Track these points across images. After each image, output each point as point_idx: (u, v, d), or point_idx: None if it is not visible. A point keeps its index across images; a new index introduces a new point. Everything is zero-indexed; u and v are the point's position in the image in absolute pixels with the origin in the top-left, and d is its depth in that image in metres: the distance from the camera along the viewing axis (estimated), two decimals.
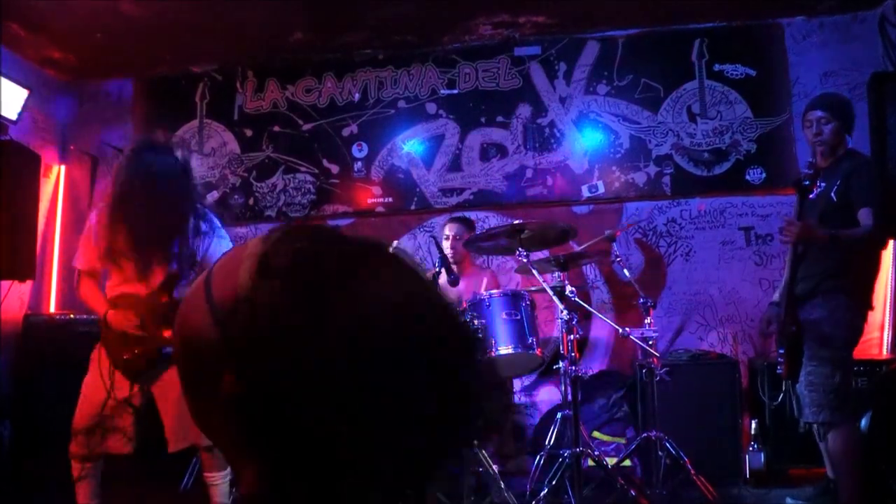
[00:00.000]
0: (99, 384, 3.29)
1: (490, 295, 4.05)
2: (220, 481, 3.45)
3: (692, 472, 3.99)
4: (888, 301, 5.11)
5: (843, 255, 3.47)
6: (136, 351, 3.27)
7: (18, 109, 5.50)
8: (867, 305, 3.55)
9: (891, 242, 4.95)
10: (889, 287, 5.12)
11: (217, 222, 3.50)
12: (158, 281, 3.30)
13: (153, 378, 3.33)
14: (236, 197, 6.07)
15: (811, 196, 3.37)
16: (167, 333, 3.27)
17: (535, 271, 3.90)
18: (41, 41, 5.61)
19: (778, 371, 3.65)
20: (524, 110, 5.87)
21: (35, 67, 5.92)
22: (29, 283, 5.46)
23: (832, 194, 3.47)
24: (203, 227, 3.41)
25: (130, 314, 3.28)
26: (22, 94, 5.47)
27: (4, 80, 5.20)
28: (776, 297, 3.83)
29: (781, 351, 3.60)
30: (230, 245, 3.39)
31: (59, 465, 3.42)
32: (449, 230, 5.04)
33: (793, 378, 3.58)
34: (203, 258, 3.39)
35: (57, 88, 6.21)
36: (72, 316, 5.21)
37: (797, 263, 3.53)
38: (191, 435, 3.31)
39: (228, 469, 3.57)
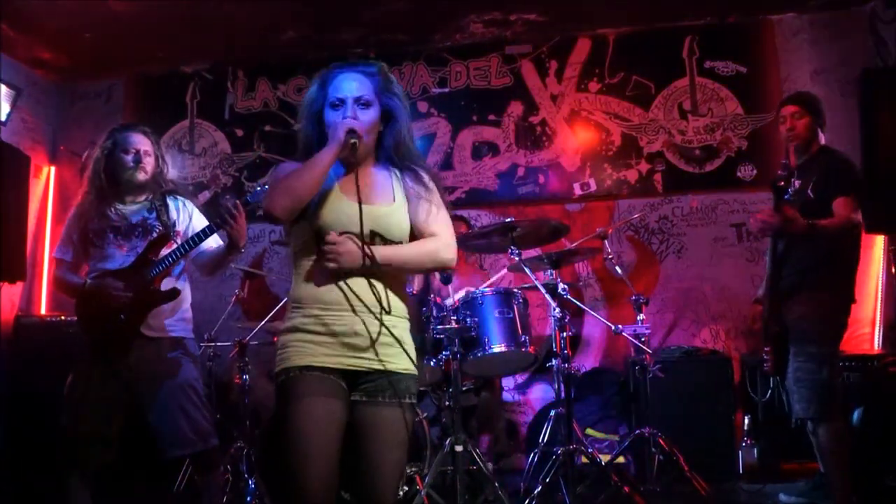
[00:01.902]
0: (83, 385, 3.26)
1: (483, 293, 4.05)
2: (213, 482, 3.43)
3: (686, 468, 4.00)
4: (879, 296, 5.13)
5: (825, 249, 3.49)
6: (122, 317, 3.21)
7: (8, 110, 5.48)
8: (850, 300, 3.58)
9: (882, 238, 4.98)
10: (880, 282, 5.13)
11: (191, 203, 3.57)
12: (142, 246, 3.29)
13: (137, 370, 3.28)
14: (227, 197, 6.05)
15: (786, 196, 3.39)
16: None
17: (527, 269, 3.89)
18: (30, 41, 5.58)
19: (764, 368, 3.67)
20: (516, 108, 5.87)
21: (24, 68, 5.89)
22: (20, 284, 5.44)
23: (809, 191, 3.49)
24: (179, 202, 3.49)
25: (111, 277, 3.24)
26: (11, 95, 5.45)
27: None
28: (759, 293, 3.84)
29: (767, 348, 3.62)
30: (206, 222, 3.39)
31: (50, 467, 3.41)
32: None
33: (779, 374, 3.61)
34: (185, 230, 3.43)
35: (46, 89, 6.18)
36: (63, 317, 5.18)
37: (779, 261, 3.56)
38: (184, 440, 3.27)
39: (220, 469, 3.56)
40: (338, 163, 2.26)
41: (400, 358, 2.22)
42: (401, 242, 2.25)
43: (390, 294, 2.21)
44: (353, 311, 2.17)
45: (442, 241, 2.28)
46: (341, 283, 2.16)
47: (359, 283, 2.18)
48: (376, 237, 2.21)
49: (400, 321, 2.26)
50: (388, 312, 2.21)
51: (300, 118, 2.34)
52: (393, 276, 2.24)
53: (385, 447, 2.17)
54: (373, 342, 2.18)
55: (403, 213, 2.28)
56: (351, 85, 2.25)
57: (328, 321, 2.17)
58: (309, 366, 2.14)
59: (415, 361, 2.27)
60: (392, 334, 2.21)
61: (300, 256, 2.26)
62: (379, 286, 2.19)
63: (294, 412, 2.11)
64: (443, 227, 2.31)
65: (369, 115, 2.25)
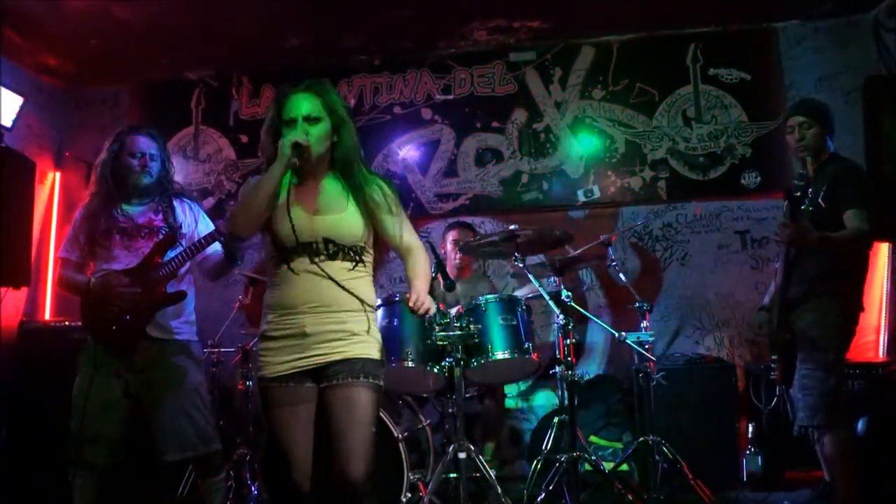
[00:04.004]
0: (87, 386, 3.25)
1: (486, 300, 4.04)
2: (215, 487, 3.43)
3: (689, 476, 3.99)
4: (884, 304, 5.11)
5: (834, 257, 3.48)
6: (127, 318, 3.22)
7: (13, 116, 5.49)
8: (859, 308, 3.56)
9: (886, 246, 4.97)
10: (885, 290, 5.12)
11: (197, 205, 3.60)
12: (147, 247, 3.31)
13: (142, 372, 3.29)
14: (232, 203, 6.06)
15: (802, 206, 3.38)
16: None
17: (530, 276, 3.89)
18: (36, 47, 5.61)
19: (771, 377, 3.65)
20: (520, 115, 5.87)
21: (30, 74, 5.91)
22: (24, 290, 5.44)
23: (819, 199, 3.48)
24: (184, 204, 3.50)
25: (117, 276, 3.25)
26: (17, 100, 5.47)
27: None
28: (766, 301, 3.83)
29: (774, 357, 3.60)
30: (212, 226, 3.40)
31: (54, 472, 3.41)
32: (456, 235, 5.02)
33: (786, 383, 3.59)
34: (191, 233, 3.44)
35: (52, 95, 6.20)
36: (67, 323, 5.19)
37: (791, 268, 3.54)
38: (187, 443, 3.27)
39: (223, 475, 3.56)
40: (293, 173, 2.50)
41: (351, 346, 2.47)
42: (353, 245, 2.52)
43: (341, 292, 2.46)
44: (306, 312, 2.44)
45: (422, 252, 2.66)
46: (297, 287, 2.45)
47: (312, 286, 2.46)
48: (329, 243, 2.48)
49: (352, 315, 2.50)
50: (339, 309, 2.47)
51: (262, 139, 2.60)
52: (346, 273, 2.49)
53: (344, 420, 2.39)
54: (324, 337, 2.44)
55: (354, 219, 2.53)
56: (300, 104, 2.51)
57: (283, 325, 2.47)
58: (274, 377, 2.46)
59: (375, 345, 2.53)
60: (342, 329, 2.46)
61: (268, 265, 2.56)
62: (330, 286, 2.46)
63: (270, 419, 2.50)
64: (411, 235, 2.67)
65: (318, 129, 2.50)
